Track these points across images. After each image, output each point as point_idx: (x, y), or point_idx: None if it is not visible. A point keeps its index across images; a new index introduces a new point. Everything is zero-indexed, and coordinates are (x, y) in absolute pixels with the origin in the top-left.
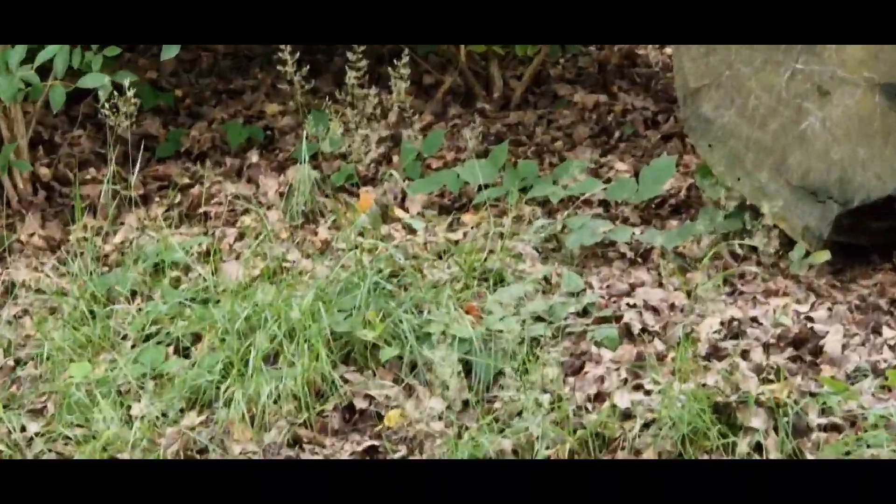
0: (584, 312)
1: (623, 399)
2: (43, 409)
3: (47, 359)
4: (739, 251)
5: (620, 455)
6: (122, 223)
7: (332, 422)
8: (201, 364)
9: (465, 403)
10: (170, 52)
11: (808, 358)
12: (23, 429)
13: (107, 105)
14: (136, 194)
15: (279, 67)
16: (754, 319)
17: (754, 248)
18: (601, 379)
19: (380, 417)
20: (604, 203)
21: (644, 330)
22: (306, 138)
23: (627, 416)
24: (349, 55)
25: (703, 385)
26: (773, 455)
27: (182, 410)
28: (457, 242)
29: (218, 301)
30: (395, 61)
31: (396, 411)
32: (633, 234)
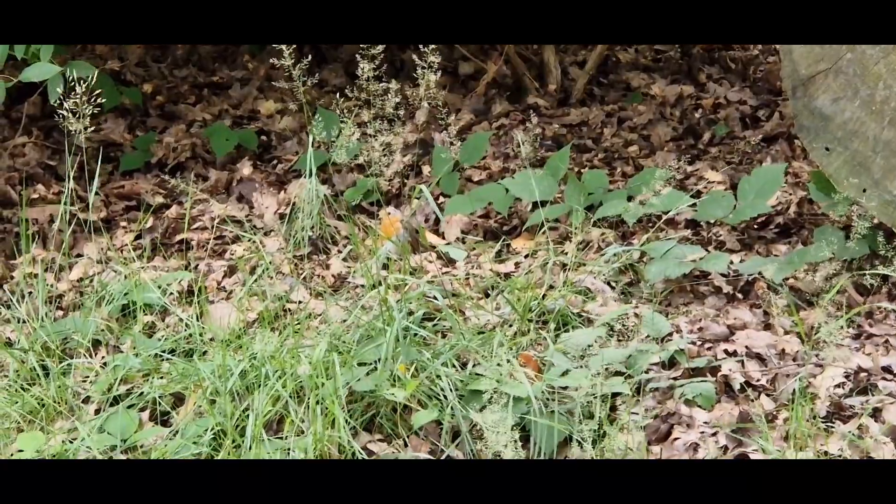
0: (671, 363)
1: None
2: None
3: None
4: (868, 283)
5: None
6: (80, 255)
7: None
8: (185, 433)
9: None
10: None
11: None
12: None
13: (62, 105)
14: (97, 218)
15: (274, 60)
16: (887, 370)
17: (887, 279)
18: (694, 447)
19: None
20: (693, 224)
21: (747, 384)
22: (312, 145)
23: None
24: None
25: (825, 454)
26: None
27: None
28: (507, 276)
29: (204, 353)
30: (421, 46)
31: None
32: (731, 262)
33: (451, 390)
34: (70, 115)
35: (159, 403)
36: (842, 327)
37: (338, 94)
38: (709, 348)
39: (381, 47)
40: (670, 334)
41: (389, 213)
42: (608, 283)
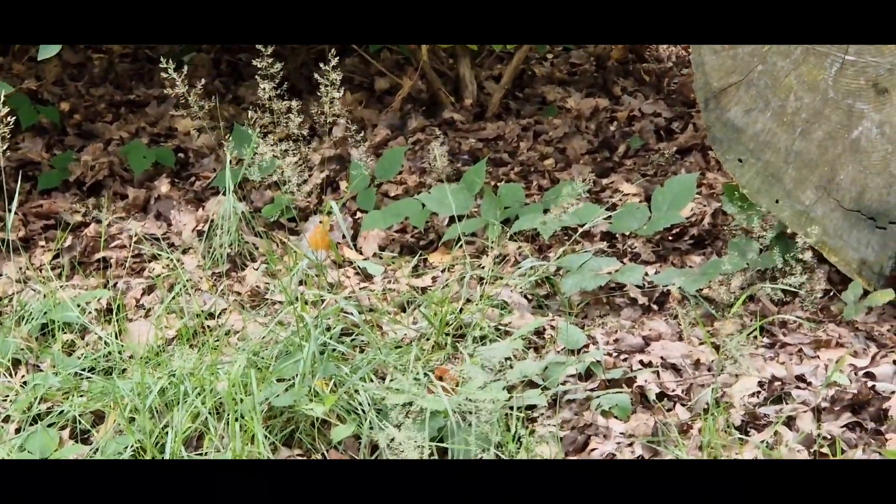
0: (588, 375)
1: None
2: None
3: None
4: (780, 293)
5: None
6: None
7: None
8: (105, 451)
9: None
10: (48, 51)
11: (871, 425)
12: None
13: None
14: (15, 237)
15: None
16: (801, 378)
17: (798, 289)
18: (611, 457)
19: None
20: (608, 236)
21: (662, 395)
22: (229, 162)
23: None
24: (255, 62)
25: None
26: None
27: None
28: (424, 290)
29: (124, 371)
30: (320, 64)
31: None
32: (647, 274)
33: (368, 405)
34: None
35: (79, 422)
36: (755, 337)
37: (255, 110)
38: (624, 359)
39: (279, 66)
40: (586, 346)
41: (321, 222)
42: (525, 296)
